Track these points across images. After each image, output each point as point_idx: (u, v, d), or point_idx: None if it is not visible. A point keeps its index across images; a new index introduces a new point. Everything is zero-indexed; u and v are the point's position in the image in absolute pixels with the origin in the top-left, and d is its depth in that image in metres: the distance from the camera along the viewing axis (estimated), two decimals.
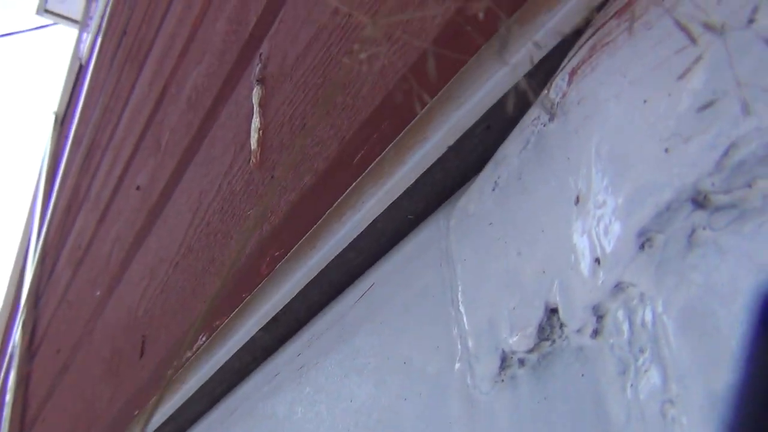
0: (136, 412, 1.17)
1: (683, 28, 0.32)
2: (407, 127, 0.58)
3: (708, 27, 0.31)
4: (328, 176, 0.65)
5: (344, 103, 0.63)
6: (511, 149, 0.53)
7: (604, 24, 0.44)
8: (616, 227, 0.40)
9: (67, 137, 3.04)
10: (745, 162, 0.33)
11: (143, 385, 1.12)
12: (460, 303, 0.56)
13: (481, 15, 0.38)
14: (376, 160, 0.61)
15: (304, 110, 0.71)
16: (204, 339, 0.93)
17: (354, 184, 0.63)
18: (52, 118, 3.85)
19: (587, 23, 0.46)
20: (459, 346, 0.55)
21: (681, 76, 0.36)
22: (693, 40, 0.34)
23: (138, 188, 1.41)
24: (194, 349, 0.95)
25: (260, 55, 0.87)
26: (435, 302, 0.60)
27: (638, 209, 0.39)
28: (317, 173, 0.66)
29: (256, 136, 0.80)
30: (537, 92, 0.50)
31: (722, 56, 0.33)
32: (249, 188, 0.81)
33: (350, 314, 0.73)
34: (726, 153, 0.34)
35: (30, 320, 2.66)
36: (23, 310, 2.71)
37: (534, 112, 0.51)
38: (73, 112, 3.09)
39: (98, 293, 1.60)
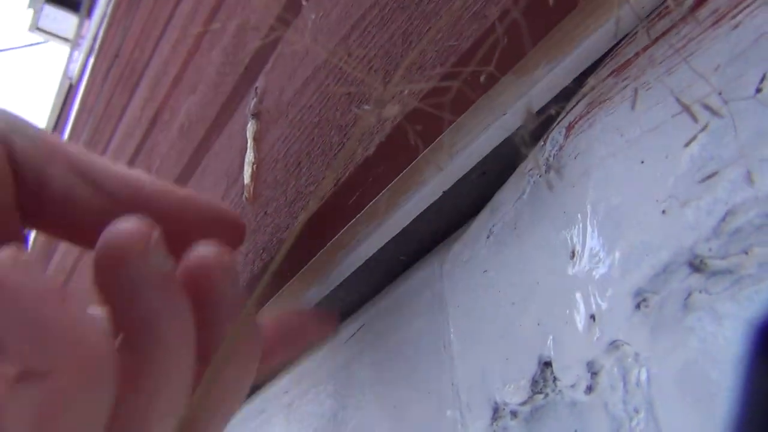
0: None
1: (681, 104, 0.32)
2: (403, 171, 0.58)
3: (706, 105, 0.32)
4: (323, 216, 0.65)
5: (340, 144, 0.63)
6: (506, 197, 0.53)
7: (602, 81, 0.45)
8: (611, 285, 0.40)
9: None
10: (742, 229, 0.33)
11: None
12: (453, 350, 0.56)
13: (482, 79, 0.38)
14: (371, 202, 0.61)
15: (300, 148, 0.71)
16: None
17: (348, 225, 0.63)
18: None
19: (584, 79, 0.46)
20: (451, 393, 0.55)
21: (679, 142, 0.36)
22: (687, 109, 0.35)
23: None
24: None
25: (256, 88, 0.87)
26: (427, 346, 0.59)
27: (634, 269, 0.39)
28: (311, 212, 0.66)
29: (249, 170, 0.79)
30: (532, 143, 0.50)
31: (724, 125, 0.34)
32: None
33: (340, 353, 0.73)
34: (723, 219, 0.34)
35: None
36: None
37: (530, 163, 0.51)
38: (62, 130, 3.07)
39: None
